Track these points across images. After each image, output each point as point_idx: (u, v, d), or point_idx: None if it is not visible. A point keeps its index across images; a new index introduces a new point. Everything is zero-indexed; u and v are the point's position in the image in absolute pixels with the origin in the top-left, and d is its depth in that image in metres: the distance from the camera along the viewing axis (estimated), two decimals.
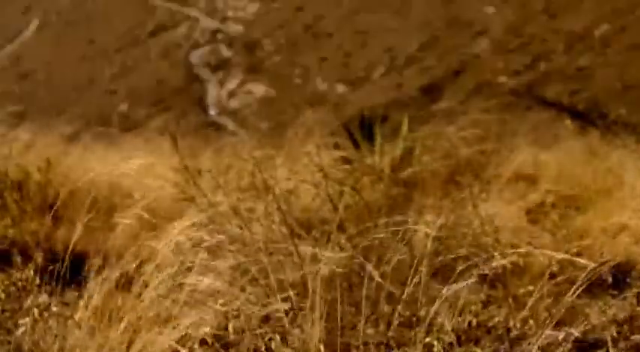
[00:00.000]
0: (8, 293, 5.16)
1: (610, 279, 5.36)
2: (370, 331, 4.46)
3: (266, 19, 56.61)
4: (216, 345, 4.09)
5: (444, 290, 3.78)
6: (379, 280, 4.56)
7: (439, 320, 3.81)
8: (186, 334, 3.84)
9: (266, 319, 4.18)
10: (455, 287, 3.75)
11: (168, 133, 8.76)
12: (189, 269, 4.09)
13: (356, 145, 8.62)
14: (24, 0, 67.23)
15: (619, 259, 5.82)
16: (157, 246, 4.36)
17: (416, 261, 4.24)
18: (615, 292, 5.47)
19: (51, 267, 4.06)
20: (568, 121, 18.59)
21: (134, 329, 3.75)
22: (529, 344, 3.70)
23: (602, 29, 44.01)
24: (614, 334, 4.70)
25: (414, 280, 4.19)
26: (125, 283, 3.93)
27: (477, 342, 4.57)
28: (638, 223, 6.43)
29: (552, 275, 5.09)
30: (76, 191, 6.66)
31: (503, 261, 4.23)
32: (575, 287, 3.79)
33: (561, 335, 3.57)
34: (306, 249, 4.56)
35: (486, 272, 4.01)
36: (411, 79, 46.51)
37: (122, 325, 3.71)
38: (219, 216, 4.94)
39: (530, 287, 5.13)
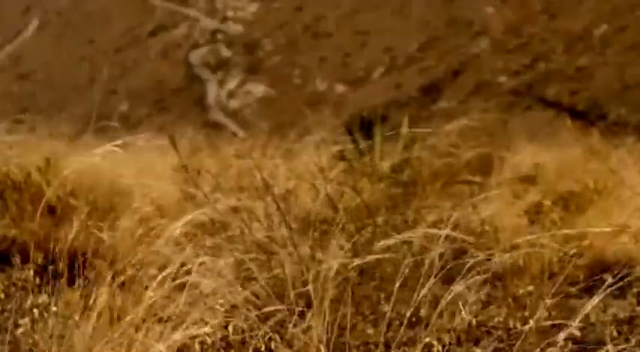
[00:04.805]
0: (8, 294, 5.16)
1: (610, 279, 5.35)
2: (370, 331, 4.46)
3: (266, 19, 56.63)
4: (217, 345, 4.09)
5: (448, 293, 3.78)
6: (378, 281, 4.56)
7: (439, 320, 3.81)
8: (186, 334, 3.84)
9: (266, 319, 4.18)
10: (457, 288, 3.74)
11: (168, 133, 8.75)
12: (190, 269, 4.09)
13: (356, 145, 8.61)
14: (24, 0, 67.24)
15: (619, 259, 5.82)
16: (157, 245, 4.36)
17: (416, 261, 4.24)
18: (615, 292, 5.46)
19: (51, 267, 4.06)
20: (568, 121, 18.59)
21: (134, 330, 3.75)
22: (529, 344, 3.70)
23: (602, 29, 44.03)
24: (614, 334, 4.70)
25: (414, 280, 4.19)
26: (125, 283, 3.93)
27: (476, 342, 4.57)
28: (638, 223, 6.43)
29: (552, 275, 5.09)
30: (77, 191, 6.66)
31: (504, 260, 4.24)
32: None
33: (561, 335, 3.57)
34: (306, 249, 4.56)
35: (486, 273, 4.01)
36: (410, 79, 46.52)
37: (122, 325, 3.71)
38: (219, 215, 4.94)
39: (530, 287, 5.13)
